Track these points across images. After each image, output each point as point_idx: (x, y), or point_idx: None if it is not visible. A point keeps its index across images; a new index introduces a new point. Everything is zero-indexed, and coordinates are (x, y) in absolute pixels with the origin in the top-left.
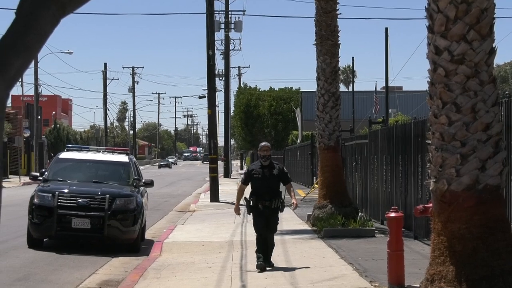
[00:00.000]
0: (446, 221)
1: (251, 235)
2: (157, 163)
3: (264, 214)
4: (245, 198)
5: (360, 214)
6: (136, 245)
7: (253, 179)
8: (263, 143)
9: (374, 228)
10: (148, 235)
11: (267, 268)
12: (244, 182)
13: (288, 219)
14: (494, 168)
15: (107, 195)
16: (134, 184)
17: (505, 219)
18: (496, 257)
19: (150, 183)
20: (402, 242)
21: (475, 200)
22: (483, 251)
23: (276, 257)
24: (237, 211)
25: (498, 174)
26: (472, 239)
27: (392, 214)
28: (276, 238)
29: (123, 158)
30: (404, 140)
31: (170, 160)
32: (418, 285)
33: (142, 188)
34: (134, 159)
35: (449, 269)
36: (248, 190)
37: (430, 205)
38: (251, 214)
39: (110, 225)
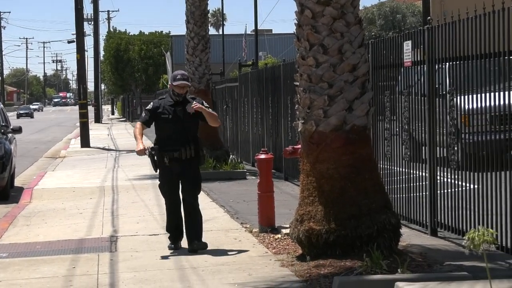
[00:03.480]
0: (314, 162)
1: (122, 179)
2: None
3: (173, 171)
4: (148, 150)
5: (231, 156)
6: (5, 193)
7: (160, 120)
8: (179, 72)
9: (245, 170)
10: (17, 182)
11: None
12: (145, 122)
13: None
14: (361, 108)
15: None
16: (2, 131)
17: (372, 159)
18: (364, 196)
19: (18, 130)
20: (272, 184)
21: (343, 140)
22: (351, 191)
23: (148, 201)
24: (142, 149)
25: (364, 115)
26: (340, 179)
27: (262, 156)
28: (146, 182)
29: None
30: (273, 82)
31: (33, 107)
32: (288, 226)
33: (10, 135)
34: (1, 105)
35: (318, 209)
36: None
37: (299, 146)
38: (157, 171)
39: None
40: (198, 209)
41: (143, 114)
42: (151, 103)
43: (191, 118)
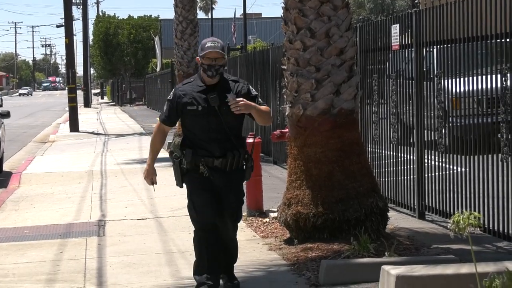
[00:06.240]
0: (302, 146)
1: (111, 164)
2: (17, 94)
3: (211, 184)
4: (170, 153)
5: None
6: None
7: (186, 114)
8: (209, 39)
9: None
10: (6, 167)
11: None
12: (166, 120)
13: (146, 147)
14: (348, 92)
15: None
16: None
17: (360, 143)
18: (351, 180)
19: (6, 114)
20: (260, 168)
21: (330, 124)
22: (338, 174)
23: (136, 186)
24: (150, 176)
25: (352, 98)
26: (328, 162)
27: (249, 140)
28: (135, 166)
29: None
30: (262, 66)
31: (23, 91)
32: (276, 209)
33: None
34: None
35: (305, 192)
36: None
37: (287, 130)
38: (183, 185)
39: None
40: (235, 240)
41: (164, 108)
42: (173, 90)
43: (230, 111)
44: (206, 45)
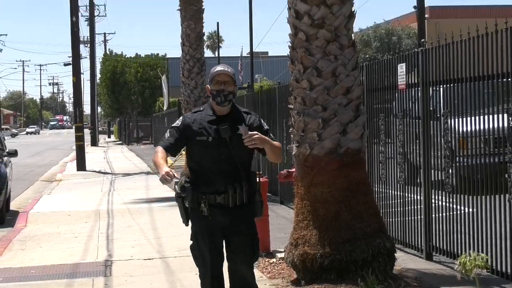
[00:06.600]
0: (309, 185)
1: (118, 203)
2: (25, 132)
3: (215, 224)
4: (175, 189)
5: None
6: (1, 217)
7: (195, 145)
8: (219, 65)
9: None
10: (13, 206)
11: None
12: (169, 147)
13: (153, 186)
14: (355, 131)
15: None
16: None
17: (366, 182)
18: (359, 220)
19: (14, 153)
20: (266, 207)
21: (337, 163)
22: (345, 214)
23: (143, 225)
24: (168, 172)
25: (359, 138)
26: (335, 202)
27: None
28: (142, 206)
29: None
30: (269, 105)
31: (30, 130)
32: (283, 250)
33: (5, 158)
34: None
35: (312, 233)
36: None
37: (294, 169)
38: (189, 224)
39: None
40: (252, 278)
41: (167, 135)
42: (180, 117)
43: (241, 142)
44: (216, 69)
